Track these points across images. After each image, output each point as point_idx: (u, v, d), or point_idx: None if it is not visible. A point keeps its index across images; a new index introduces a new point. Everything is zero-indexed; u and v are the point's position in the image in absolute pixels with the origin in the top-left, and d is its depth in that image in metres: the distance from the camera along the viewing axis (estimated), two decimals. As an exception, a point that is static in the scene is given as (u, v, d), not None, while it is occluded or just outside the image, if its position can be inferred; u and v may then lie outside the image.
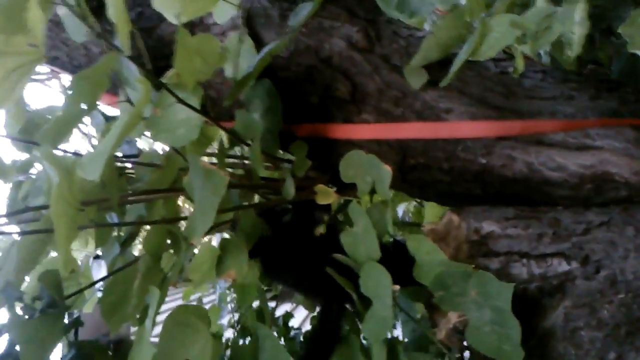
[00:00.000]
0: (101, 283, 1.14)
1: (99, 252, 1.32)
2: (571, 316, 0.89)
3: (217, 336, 1.36)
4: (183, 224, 1.13)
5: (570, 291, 0.91)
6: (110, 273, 1.07)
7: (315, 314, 2.31)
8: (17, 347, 1.13)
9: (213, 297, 1.92)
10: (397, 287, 0.92)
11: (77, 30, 1.03)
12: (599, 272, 0.91)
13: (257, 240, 1.13)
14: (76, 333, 1.46)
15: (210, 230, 1.13)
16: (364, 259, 0.96)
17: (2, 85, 0.75)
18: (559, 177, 1.01)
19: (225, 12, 1.04)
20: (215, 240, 1.84)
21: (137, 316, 1.09)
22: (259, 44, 1.11)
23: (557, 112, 1.04)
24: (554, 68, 1.14)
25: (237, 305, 1.50)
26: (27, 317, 1.02)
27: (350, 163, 1.02)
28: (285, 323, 2.02)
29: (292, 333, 2.08)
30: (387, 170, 0.94)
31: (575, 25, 0.76)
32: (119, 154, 1.35)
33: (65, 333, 1.20)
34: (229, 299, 1.72)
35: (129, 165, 1.31)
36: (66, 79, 1.48)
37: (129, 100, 1.03)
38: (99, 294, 1.37)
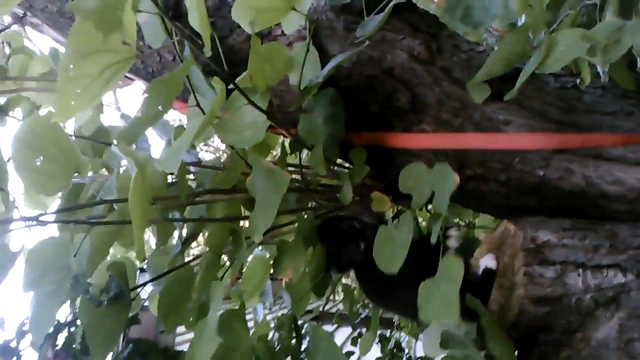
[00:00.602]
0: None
1: (144, 266, 1.36)
2: (625, 327, 0.89)
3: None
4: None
5: (625, 303, 0.91)
6: (169, 270, 1.11)
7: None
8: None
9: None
10: None
11: (155, 37, 1.10)
12: (655, 286, 0.90)
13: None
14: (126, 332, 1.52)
15: (270, 231, 1.17)
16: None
17: (97, 80, 0.81)
18: (616, 191, 1.01)
19: (293, 23, 1.09)
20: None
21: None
22: (323, 54, 1.16)
23: (617, 127, 1.05)
24: (614, 84, 1.15)
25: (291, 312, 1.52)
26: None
27: (410, 174, 1.04)
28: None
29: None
30: (454, 178, 0.95)
31: (646, 39, 0.78)
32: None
33: (126, 327, 1.25)
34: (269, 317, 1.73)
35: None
36: (134, 87, 1.55)
37: (199, 105, 1.09)
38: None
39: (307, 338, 1.15)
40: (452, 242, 1.14)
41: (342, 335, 3.70)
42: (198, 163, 1.35)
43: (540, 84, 1.13)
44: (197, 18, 0.86)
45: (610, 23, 0.87)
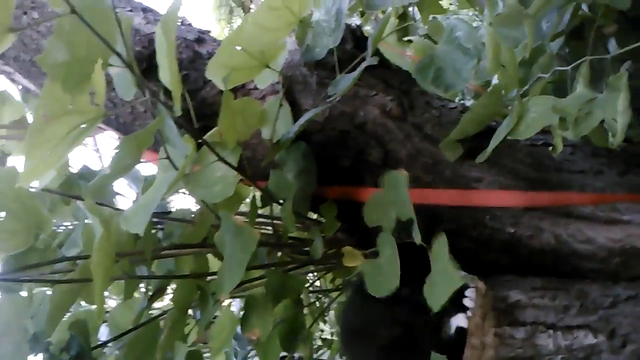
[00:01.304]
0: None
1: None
2: (598, 391, 0.88)
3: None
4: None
5: (597, 365, 0.90)
6: (134, 327, 1.08)
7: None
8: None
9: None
10: None
11: (127, 89, 1.09)
12: (625, 347, 0.90)
13: None
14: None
15: (239, 287, 1.15)
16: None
17: (64, 141, 0.79)
18: (587, 250, 1.01)
19: (267, 79, 1.10)
20: (234, 305, 1.84)
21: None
22: (296, 109, 1.16)
23: (586, 186, 1.06)
24: (584, 143, 1.16)
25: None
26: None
27: (372, 206, 1.02)
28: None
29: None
30: (404, 178, 0.93)
31: (617, 114, 0.79)
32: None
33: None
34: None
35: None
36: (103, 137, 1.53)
37: (169, 157, 1.07)
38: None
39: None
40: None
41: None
42: (167, 213, 1.33)
43: (511, 141, 1.13)
44: (168, 76, 0.86)
45: (581, 95, 0.88)
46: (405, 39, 1.64)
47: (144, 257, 1.05)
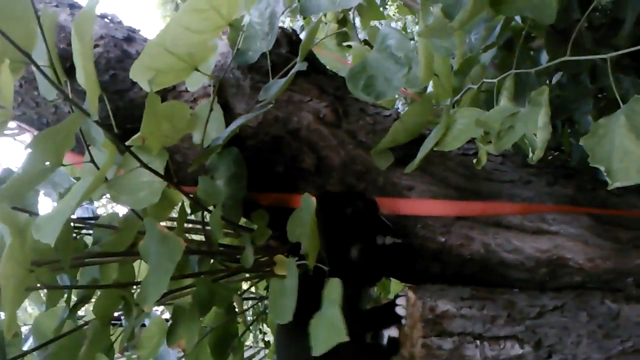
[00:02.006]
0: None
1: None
2: (522, 401, 0.89)
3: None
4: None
5: (523, 375, 0.91)
6: (56, 337, 1.02)
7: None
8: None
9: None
10: None
11: (49, 88, 1.04)
12: (551, 357, 0.91)
13: None
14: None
15: (166, 296, 1.11)
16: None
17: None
18: (515, 260, 1.02)
19: (197, 81, 1.06)
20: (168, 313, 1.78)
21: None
22: (229, 112, 1.14)
23: (515, 196, 1.07)
24: (514, 152, 1.18)
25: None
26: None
27: (296, 221, 1.01)
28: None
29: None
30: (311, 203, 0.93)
31: (538, 130, 0.79)
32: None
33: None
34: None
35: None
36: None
37: (93, 161, 1.03)
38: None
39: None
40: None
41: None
42: (95, 218, 1.28)
43: (444, 150, 1.14)
44: (83, 78, 0.81)
45: (504, 109, 0.88)
46: (345, 44, 1.64)
47: (63, 266, 1.00)
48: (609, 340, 0.91)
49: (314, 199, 0.94)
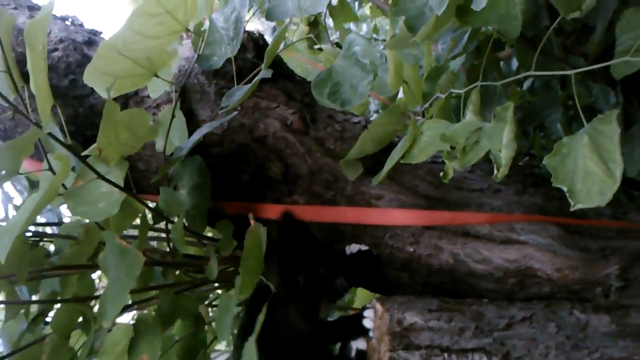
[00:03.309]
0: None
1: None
2: (490, 415, 0.88)
3: None
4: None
5: (490, 388, 0.90)
6: (13, 352, 0.99)
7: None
8: None
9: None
10: None
11: (6, 93, 1.00)
12: (519, 370, 0.90)
13: None
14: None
15: (128, 309, 1.08)
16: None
17: None
18: (483, 270, 1.01)
19: (158, 87, 1.03)
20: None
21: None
22: (193, 119, 1.11)
23: (484, 205, 1.06)
24: (483, 160, 1.17)
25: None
26: None
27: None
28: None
29: None
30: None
31: (502, 147, 0.77)
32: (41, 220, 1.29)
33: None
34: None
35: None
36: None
37: (51, 169, 0.99)
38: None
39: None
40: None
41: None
42: (58, 224, 1.24)
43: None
44: (34, 88, 0.78)
45: (469, 123, 0.86)
46: (316, 47, 1.61)
47: (20, 280, 0.96)
48: (577, 351, 0.90)
49: (263, 230, 0.93)
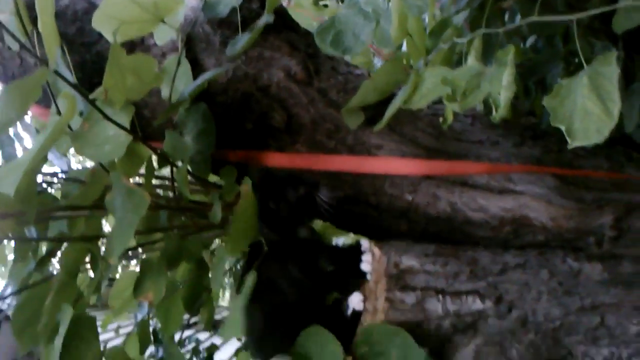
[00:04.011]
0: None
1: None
2: (481, 354, 0.91)
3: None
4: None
5: (482, 329, 0.93)
6: (22, 289, 1.03)
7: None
8: None
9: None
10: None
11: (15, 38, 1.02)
12: (511, 312, 0.93)
13: None
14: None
15: (135, 249, 1.11)
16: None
17: None
18: (480, 218, 1.04)
19: (165, 34, 1.05)
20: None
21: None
22: (198, 68, 1.12)
23: (483, 156, 1.08)
24: (484, 114, 1.18)
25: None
26: None
27: None
28: (210, 355, 1.98)
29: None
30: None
31: (502, 88, 0.79)
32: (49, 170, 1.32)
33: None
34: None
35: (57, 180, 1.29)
36: None
37: (60, 113, 1.01)
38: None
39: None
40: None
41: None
42: (65, 172, 1.27)
43: (414, 110, 1.14)
44: (41, 27, 0.80)
45: (471, 68, 0.87)
46: (322, 3, 1.61)
47: (28, 221, 0.99)
48: (569, 297, 0.93)
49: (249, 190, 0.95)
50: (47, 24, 0.79)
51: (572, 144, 0.72)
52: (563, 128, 0.73)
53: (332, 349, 0.91)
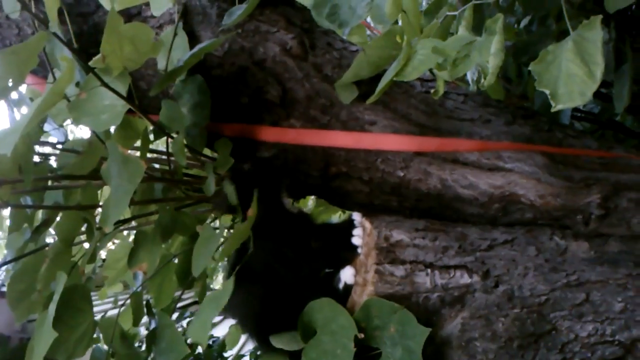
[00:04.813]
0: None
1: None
2: (467, 327, 0.93)
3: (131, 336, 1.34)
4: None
5: (469, 303, 0.95)
6: (17, 257, 1.04)
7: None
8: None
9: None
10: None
11: (13, 6, 1.02)
12: (498, 287, 0.95)
13: None
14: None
15: (129, 221, 1.12)
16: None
17: None
18: (469, 195, 1.05)
19: (161, 5, 1.05)
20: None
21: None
22: (195, 41, 1.13)
23: (474, 134, 1.09)
24: (477, 93, 1.20)
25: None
26: None
27: None
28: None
29: (210, 341, 2.07)
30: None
31: (490, 56, 0.80)
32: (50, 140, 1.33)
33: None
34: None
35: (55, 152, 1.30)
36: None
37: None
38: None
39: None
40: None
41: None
42: (62, 143, 1.28)
43: (407, 87, 1.15)
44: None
45: (461, 37, 0.89)
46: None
47: (25, 187, 1.00)
48: (555, 273, 0.95)
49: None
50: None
51: (556, 107, 0.74)
52: (547, 92, 0.75)
53: (343, 321, 0.93)
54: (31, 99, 1.28)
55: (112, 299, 1.95)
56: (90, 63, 0.91)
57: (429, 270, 0.98)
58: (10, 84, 0.93)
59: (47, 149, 1.41)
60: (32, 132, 1.09)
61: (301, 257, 1.09)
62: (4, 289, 1.38)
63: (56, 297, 0.92)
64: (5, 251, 1.22)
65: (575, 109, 1.60)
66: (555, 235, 1.01)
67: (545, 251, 0.99)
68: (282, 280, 1.07)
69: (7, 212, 1.33)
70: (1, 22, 1.18)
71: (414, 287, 0.97)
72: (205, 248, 0.95)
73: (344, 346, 0.90)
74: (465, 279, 0.97)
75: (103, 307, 1.66)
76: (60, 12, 1.05)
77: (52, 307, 0.91)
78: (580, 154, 1.07)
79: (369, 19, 1.64)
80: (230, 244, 0.94)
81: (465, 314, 0.95)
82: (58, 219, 1.13)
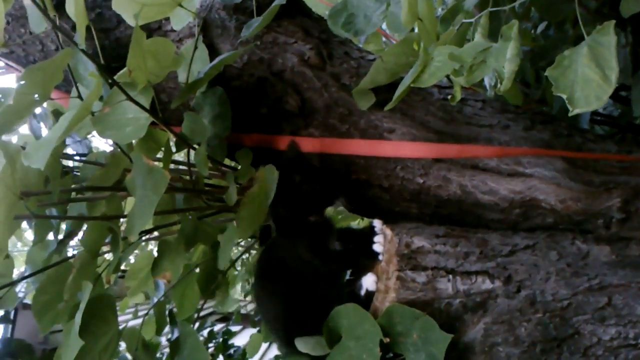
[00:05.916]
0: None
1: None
2: (490, 332, 0.93)
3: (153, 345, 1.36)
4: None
5: (492, 308, 0.95)
6: (43, 268, 1.06)
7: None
8: None
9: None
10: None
11: (39, 22, 1.05)
12: (520, 292, 0.95)
13: None
14: (12, 330, 1.44)
15: (153, 231, 1.14)
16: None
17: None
18: (490, 201, 1.06)
19: (182, 19, 1.07)
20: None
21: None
22: (214, 53, 1.14)
23: (493, 140, 1.09)
24: (495, 99, 1.20)
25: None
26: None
27: None
28: (225, 340, 2.01)
29: (231, 351, 2.08)
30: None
31: (506, 61, 0.81)
32: (70, 152, 1.35)
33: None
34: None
35: (76, 164, 1.32)
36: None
37: (80, 97, 1.04)
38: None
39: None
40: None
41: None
42: (84, 155, 1.30)
43: (425, 94, 1.16)
44: (72, 7, 0.83)
45: (477, 44, 0.90)
46: (334, -10, 1.63)
47: (52, 199, 1.02)
48: (577, 277, 0.95)
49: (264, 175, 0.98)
50: (77, 4, 0.82)
51: (574, 111, 0.74)
52: (565, 97, 0.75)
53: (369, 326, 0.94)
54: (53, 112, 1.31)
55: (131, 310, 1.98)
56: (116, 77, 0.93)
57: (450, 277, 0.98)
58: (36, 99, 0.96)
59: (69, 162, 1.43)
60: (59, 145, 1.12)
61: (321, 261, 1.09)
62: (25, 300, 1.40)
63: (82, 306, 0.94)
64: (24, 265, 1.24)
65: (595, 113, 1.60)
66: (577, 239, 1.01)
67: (567, 255, 0.99)
68: (304, 285, 1.08)
69: (24, 224, 1.35)
70: (26, 38, 1.21)
71: (436, 293, 0.97)
72: (229, 243, 0.96)
73: (370, 351, 0.91)
74: (487, 285, 0.97)
75: (123, 317, 1.69)
76: (86, 29, 1.08)
77: (79, 316, 0.93)
78: (600, 158, 1.06)
79: (384, 27, 1.66)
80: (247, 214, 0.96)
81: (487, 320, 0.95)
82: (82, 230, 1.15)
